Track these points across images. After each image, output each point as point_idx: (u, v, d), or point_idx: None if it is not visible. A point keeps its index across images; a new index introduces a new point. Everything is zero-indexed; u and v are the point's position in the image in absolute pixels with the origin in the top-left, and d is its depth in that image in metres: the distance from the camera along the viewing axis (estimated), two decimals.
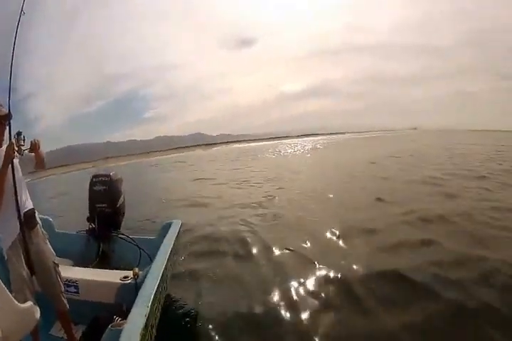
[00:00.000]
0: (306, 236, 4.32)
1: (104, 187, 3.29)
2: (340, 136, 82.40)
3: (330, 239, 4.28)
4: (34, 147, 1.95)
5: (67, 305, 2.06)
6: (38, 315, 1.78)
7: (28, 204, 2.00)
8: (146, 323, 1.53)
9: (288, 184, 9.11)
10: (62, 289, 2.07)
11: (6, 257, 1.88)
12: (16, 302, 1.67)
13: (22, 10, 2.20)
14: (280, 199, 6.98)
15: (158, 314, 1.97)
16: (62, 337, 2.21)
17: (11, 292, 1.73)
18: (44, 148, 2.08)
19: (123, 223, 3.46)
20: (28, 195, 2.04)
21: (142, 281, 1.96)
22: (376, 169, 10.84)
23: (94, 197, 3.32)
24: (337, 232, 4.41)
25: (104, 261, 3.00)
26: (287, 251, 3.92)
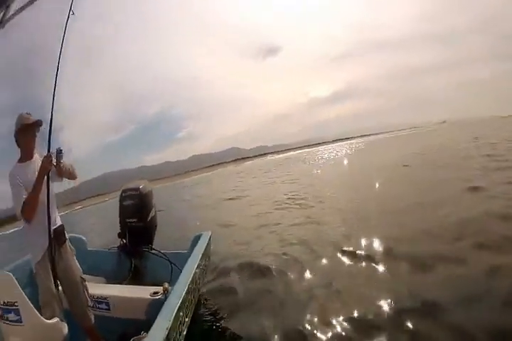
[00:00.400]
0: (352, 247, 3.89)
1: (134, 201, 3.20)
2: (373, 137, 78.33)
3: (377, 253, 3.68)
4: (69, 172, 2.04)
5: (93, 320, 2.04)
6: (65, 331, 1.77)
7: (57, 220, 2.03)
8: (167, 337, 1.47)
9: (322, 194, 8.61)
10: (90, 304, 2.06)
11: (34, 271, 1.89)
12: (43, 318, 1.67)
13: (71, 9, 2.25)
14: (316, 212, 6.49)
15: (184, 328, 1.88)
16: None
17: (39, 306, 1.75)
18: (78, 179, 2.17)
19: (155, 237, 3.36)
20: (57, 211, 2.07)
21: None
22: (410, 173, 9.94)
23: (124, 212, 3.24)
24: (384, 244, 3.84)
25: (137, 277, 2.96)
26: (332, 267, 3.49)
